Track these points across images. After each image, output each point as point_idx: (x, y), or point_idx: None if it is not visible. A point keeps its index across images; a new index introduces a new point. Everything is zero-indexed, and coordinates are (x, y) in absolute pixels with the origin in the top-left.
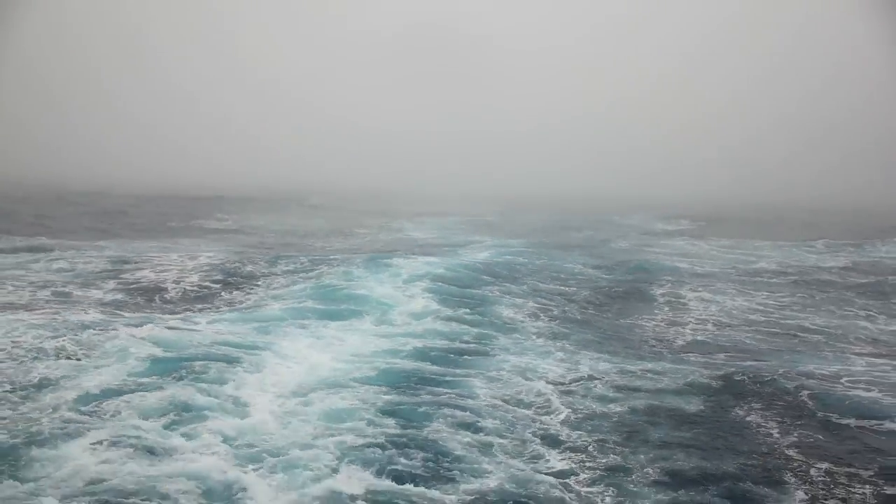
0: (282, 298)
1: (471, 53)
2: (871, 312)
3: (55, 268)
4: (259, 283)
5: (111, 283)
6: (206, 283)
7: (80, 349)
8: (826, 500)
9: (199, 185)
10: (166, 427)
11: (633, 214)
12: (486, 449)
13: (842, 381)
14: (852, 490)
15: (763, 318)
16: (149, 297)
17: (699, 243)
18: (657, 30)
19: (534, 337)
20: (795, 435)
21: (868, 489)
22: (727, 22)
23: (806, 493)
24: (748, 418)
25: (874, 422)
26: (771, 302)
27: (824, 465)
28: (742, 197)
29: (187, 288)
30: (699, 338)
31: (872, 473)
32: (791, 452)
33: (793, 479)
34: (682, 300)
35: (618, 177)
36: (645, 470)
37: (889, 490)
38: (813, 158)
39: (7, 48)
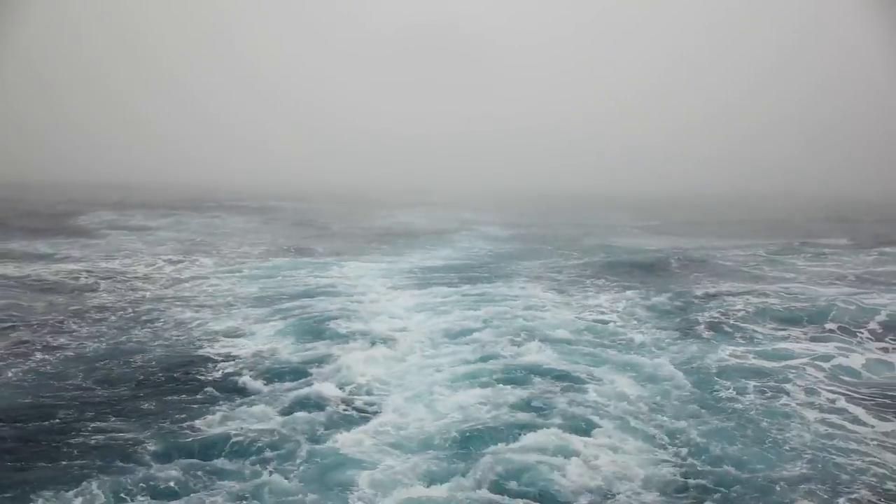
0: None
1: (472, 53)
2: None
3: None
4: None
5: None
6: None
7: None
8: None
9: (206, 188)
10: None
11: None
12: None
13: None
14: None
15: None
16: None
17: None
18: (657, 30)
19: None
20: (675, 264)
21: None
22: (727, 23)
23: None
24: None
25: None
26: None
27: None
28: (741, 194)
29: None
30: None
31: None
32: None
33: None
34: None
35: (615, 175)
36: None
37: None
38: (812, 157)
39: (10, 49)
